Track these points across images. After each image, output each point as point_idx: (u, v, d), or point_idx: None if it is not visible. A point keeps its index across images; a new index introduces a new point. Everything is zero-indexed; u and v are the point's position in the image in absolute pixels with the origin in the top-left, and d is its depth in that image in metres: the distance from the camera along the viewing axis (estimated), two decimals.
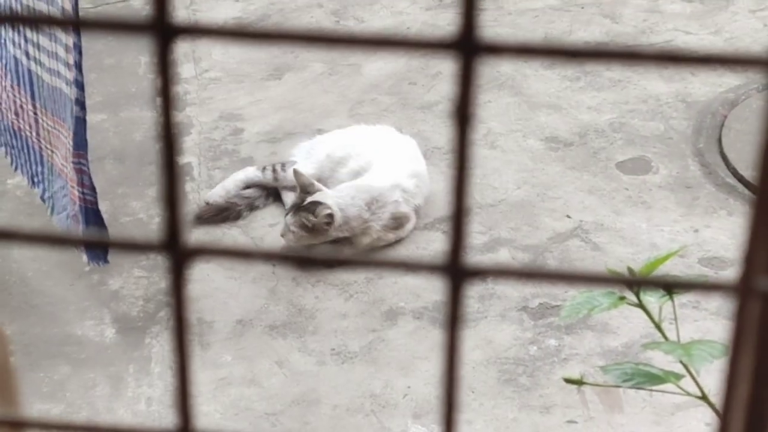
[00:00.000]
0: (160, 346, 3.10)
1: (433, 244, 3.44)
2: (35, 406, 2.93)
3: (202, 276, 3.30)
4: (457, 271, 0.51)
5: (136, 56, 4.33)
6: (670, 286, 0.50)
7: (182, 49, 4.30)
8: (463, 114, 0.46)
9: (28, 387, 2.96)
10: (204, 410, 2.89)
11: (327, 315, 3.19)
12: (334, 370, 3.03)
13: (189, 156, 3.82)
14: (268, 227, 3.52)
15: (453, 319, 0.52)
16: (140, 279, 3.32)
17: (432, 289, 3.25)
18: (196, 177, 3.73)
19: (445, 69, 4.20)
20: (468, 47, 0.45)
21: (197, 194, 3.64)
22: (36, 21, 0.50)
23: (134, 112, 4.04)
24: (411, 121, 3.94)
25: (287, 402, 2.93)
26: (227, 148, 3.87)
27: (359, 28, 4.51)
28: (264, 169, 3.66)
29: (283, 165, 3.65)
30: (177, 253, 0.51)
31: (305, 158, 3.64)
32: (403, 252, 3.41)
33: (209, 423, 2.86)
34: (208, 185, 3.69)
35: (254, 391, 2.97)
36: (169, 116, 0.45)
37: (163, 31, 0.47)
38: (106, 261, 3.09)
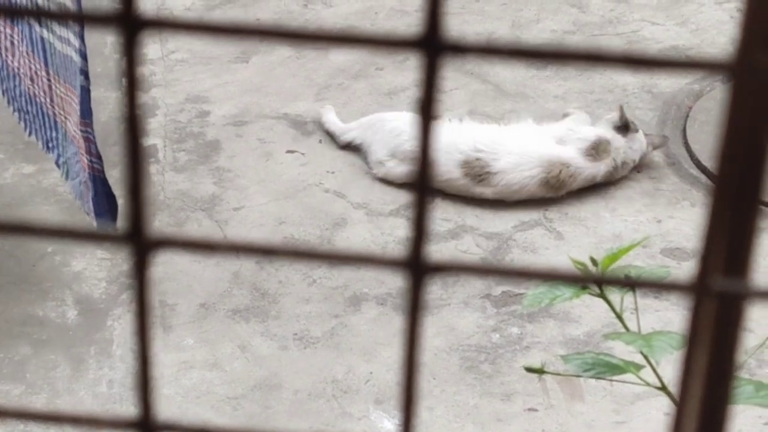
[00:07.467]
0: (122, 328, 3.09)
1: (397, 231, 3.44)
2: None
3: (166, 258, 3.29)
4: (417, 266, 0.52)
5: (102, 36, 4.30)
6: (626, 285, 0.50)
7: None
8: (426, 111, 0.47)
9: None
10: (165, 393, 2.89)
11: (290, 300, 3.20)
12: (296, 354, 3.03)
13: (154, 138, 3.81)
14: (233, 211, 3.51)
15: (413, 313, 0.53)
16: (103, 261, 3.30)
17: (396, 276, 3.25)
18: (161, 159, 3.72)
19: (413, 55, 4.20)
20: (432, 46, 0.46)
21: (162, 176, 3.63)
22: (7, 11, 0.50)
23: (99, 92, 4.02)
24: (379, 106, 3.94)
25: (249, 386, 2.94)
26: (193, 131, 3.86)
27: (327, 12, 4.50)
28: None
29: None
30: (140, 244, 0.51)
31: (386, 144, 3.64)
32: (368, 237, 3.41)
33: (170, 406, 2.86)
34: (173, 167, 3.67)
35: (216, 374, 2.97)
36: (135, 121, 0.45)
37: (129, 24, 0.47)
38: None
